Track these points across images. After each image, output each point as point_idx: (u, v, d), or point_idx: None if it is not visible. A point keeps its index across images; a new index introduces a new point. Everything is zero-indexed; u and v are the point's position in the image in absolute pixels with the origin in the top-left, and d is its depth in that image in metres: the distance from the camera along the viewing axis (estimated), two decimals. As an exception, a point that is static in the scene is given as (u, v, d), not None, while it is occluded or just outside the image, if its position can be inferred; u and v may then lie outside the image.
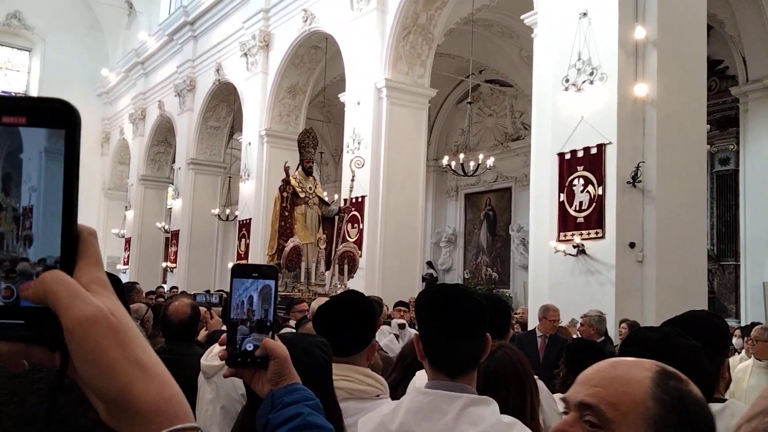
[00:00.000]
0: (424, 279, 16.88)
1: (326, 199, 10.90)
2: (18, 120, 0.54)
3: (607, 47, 8.70)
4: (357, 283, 11.11)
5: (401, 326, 7.04)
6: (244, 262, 15.92)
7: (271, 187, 16.79)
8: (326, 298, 4.70)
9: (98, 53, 28.51)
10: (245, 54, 17.53)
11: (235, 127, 20.53)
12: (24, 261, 0.55)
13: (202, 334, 4.93)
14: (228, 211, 19.28)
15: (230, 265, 15.41)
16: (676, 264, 8.46)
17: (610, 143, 8.56)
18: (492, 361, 2.08)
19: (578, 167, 8.91)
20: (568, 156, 9.05)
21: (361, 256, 13.09)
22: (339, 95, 14.73)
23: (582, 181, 8.83)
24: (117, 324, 0.55)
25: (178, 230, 21.01)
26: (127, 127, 26.41)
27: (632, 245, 8.45)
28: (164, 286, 18.35)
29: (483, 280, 19.06)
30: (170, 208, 23.31)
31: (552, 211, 9.23)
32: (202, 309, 5.15)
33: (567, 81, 9.12)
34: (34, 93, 28.47)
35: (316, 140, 10.77)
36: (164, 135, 24.25)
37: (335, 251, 10.26)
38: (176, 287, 17.51)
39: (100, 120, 28.35)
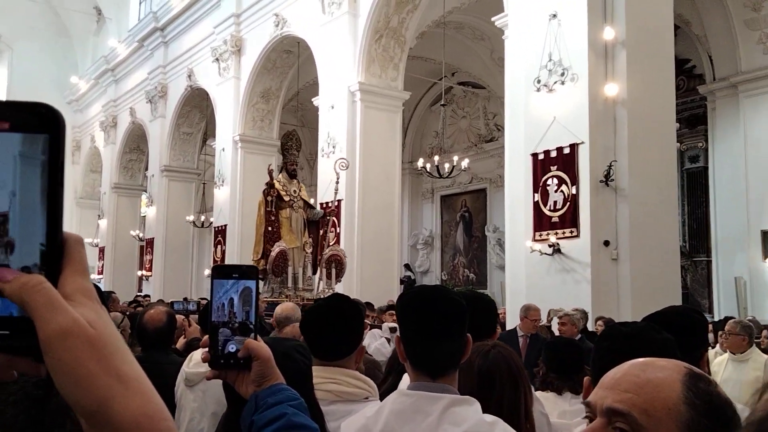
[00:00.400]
0: (402, 282, 16.91)
1: (311, 201, 10.88)
2: (1, 125, 0.52)
3: (577, 48, 8.80)
4: (336, 287, 11.08)
5: (393, 330, 7.04)
6: (223, 263, 15.69)
7: (246, 192, 16.71)
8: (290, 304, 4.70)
9: (67, 60, 28.15)
10: (217, 59, 17.43)
11: (209, 132, 20.39)
12: (4, 267, 0.53)
13: (181, 342, 4.89)
14: (203, 217, 19.14)
15: (207, 272, 15.33)
16: (649, 261, 8.58)
17: (582, 143, 8.66)
18: (486, 360, 2.09)
19: (552, 167, 8.99)
20: (541, 156, 9.13)
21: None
22: (313, 99, 14.71)
23: (556, 180, 8.92)
24: (96, 336, 0.53)
25: (153, 238, 20.81)
26: (98, 135, 26.09)
27: (606, 243, 8.55)
28: (148, 294, 18.13)
29: (460, 281, 19.14)
30: (144, 216, 23.06)
31: (527, 211, 9.31)
32: (180, 317, 5.11)
33: (538, 82, 9.21)
34: (1, 102, 27.97)
35: (300, 142, 10.72)
36: (136, 142, 24.00)
37: (321, 255, 10.14)
38: (149, 295, 17.31)
39: (70, 128, 27.90)
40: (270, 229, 9.97)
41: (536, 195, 9.17)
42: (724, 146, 12.74)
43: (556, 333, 6.75)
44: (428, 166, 12.44)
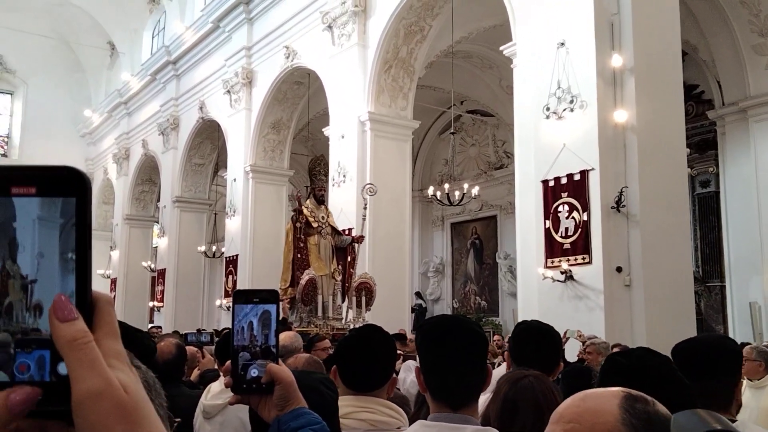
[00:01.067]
0: (413, 310, 16.84)
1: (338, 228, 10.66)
2: (28, 190, 0.52)
3: (585, 75, 8.86)
4: (366, 315, 11.06)
5: None
6: (244, 288, 15.72)
7: (257, 222, 16.80)
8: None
9: (81, 94, 28.56)
10: (228, 91, 17.65)
11: (220, 163, 20.57)
12: (36, 332, 0.53)
13: (195, 374, 4.89)
14: (214, 248, 19.21)
15: (218, 302, 15.24)
16: (663, 287, 8.53)
17: (592, 169, 8.67)
18: (513, 388, 2.07)
19: (562, 194, 9.00)
20: (551, 183, 9.15)
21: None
22: (323, 129, 14.84)
23: (567, 207, 8.92)
24: (127, 401, 0.51)
25: (165, 269, 20.87)
26: (111, 167, 26.35)
27: (619, 269, 8.51)
28: (159, 326, 18.13)
29: (472, 308, 19.04)
30: (156, 247, 23.17)
31: (538, 238, 9.30)
32: (193, 348, 5.12)
33: (548, 109, 9.27)
34: (16, 136, 28.40)
35: (328, 167, 10.55)
36: (148, 174, 24.21)
37: (350, 283, 9.91)
38: (160, 327, 17.31)
39: (83, 161, 28.26)
40: (299, 256, 9.72)
41: (547, 221, 9.17)
42: (735, 171, 12.71)
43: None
44: (438, 193, 12.48)
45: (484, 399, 2.11)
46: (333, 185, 13.78)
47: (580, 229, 8.74)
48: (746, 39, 11.90)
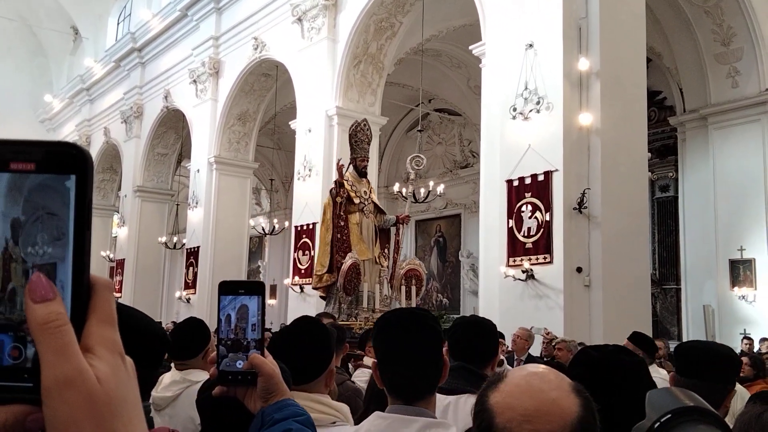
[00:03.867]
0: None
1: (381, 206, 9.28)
2: (27, 167, 0.49)
3: (552, 78, 8.97)
4: (308, 311, 11.02)
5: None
6: (230, 279, 15.59)
7: (220, 214, 16.63)
8: None
9: (42, 79, 27.91)
10: (194, 81, 17.42)
11: (184, 154, 20.29)
12: (46, 281, 0.49)
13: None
14: (175, 239, 18.94)
15: (178, 294, 14.93)
16: (621, 288, 8.68)
17: (556, 170, 8.78)
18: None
19: (526, 194, 9.10)
20: (516, 183, 9.24)
21: (311, 283, 13.04)
22: (290, 122, 14.75)
23: (530, 207, 9.01)
24: (100, 394, 0.47)
25: (124, 259, 20.54)
26: (70, 154, 25.76)
27: (579, 270, 8.64)
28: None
29: (434, 306, 19.13)
30: (115, 237, 22.77)
31: (501, 237, 9.38)
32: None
33: (514, 110, 9.35)
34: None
35: (371, 134, 9.04)
36: (110, 162, 23.78)
37: (394, 269, 8.67)
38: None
39: (42, 146, 27.54)
40: (339, 236, 8.33)
41: (510, 221, 9.26)
42: (694, 176, 13.00)
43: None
44: (404, 190, 12.50)
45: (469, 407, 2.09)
46: (298, 179, 13.72)
47: (542, 229, 8.85)
48: (709, 48, 12.17)
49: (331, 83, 13.22)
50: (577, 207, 8.68)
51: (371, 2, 12.56)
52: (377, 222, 8.77)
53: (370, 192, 8.77)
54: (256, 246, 23.83)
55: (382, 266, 8.53)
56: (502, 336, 6.88)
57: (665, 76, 13.55)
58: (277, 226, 17.09)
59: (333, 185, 8.54)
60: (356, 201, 8.43)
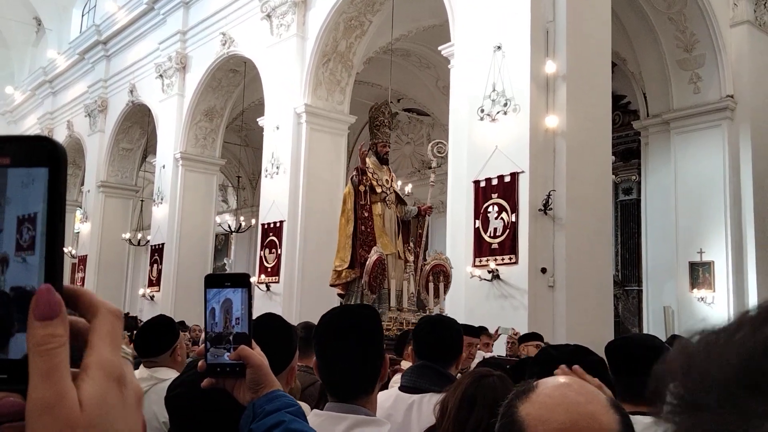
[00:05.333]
0: (341, 304, 16.83)
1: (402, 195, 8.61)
2: (2, 161, 0.49)
3: (519, 80, 9.06)
4: (274, 309, 10.94)
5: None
6: (216, 273, 15.43)
7: (185, 210, 16.44)
8: None
9: (3, 71, 27.27)
10: (161, 75, 17.19)
11: (149, 149, 20.02)
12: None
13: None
14: (140, 235, 18.68)
15: (141, 291, 14.69)
16: (584, 289, 8.81)
17: (522, 172, 8.87)
18: (475, 384, 2.05)
19: (493, 195, 9.18)
20: (483, 184, 9.31)
21: (278, 282, 12.98)
22: (258, 119, 14.65)
23: (496, 208, 9.09)
24: (78, 420, 0.45)
25: (86, 255, 20.18)
26: (32, 148, 25.23)
27: (544, 270, 8.74)
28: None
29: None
30: (77, 233, 22.36)
31: (468, 238, 9.45)
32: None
33: (482, 111, 9.42)
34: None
35: (393, 117, 8.33)
36: (72, 157, 23.26)
37: (418, 264, 8.07)
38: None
39: (2, 139, 26.93)
40: (362, 229, 7.66)
41: (477, 221, 9.33)
42: (656, 180, 13.24)
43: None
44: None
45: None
46: (266, 176, 13.65)
47: (508, 230, 8.93)
48: (672, 54, 12.41)
49: (300, 81, 13.17)
50: (543, 208, 8.78)
51: (341, 0, 12.54)
52: (398, 213, 8.17)
53: (392, 180, 8.14)
54: (222, 244, 23.62)
55: (408, 261, 7.84)
56: (489, 335, 6.87)
57: (630, 80, 13.78)
58: (243, 223, 16.96)
59: (354, 172, 7.85)
60: (378, 190, 7.82)
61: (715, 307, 11.78)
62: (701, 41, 12.08)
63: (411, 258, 7.80)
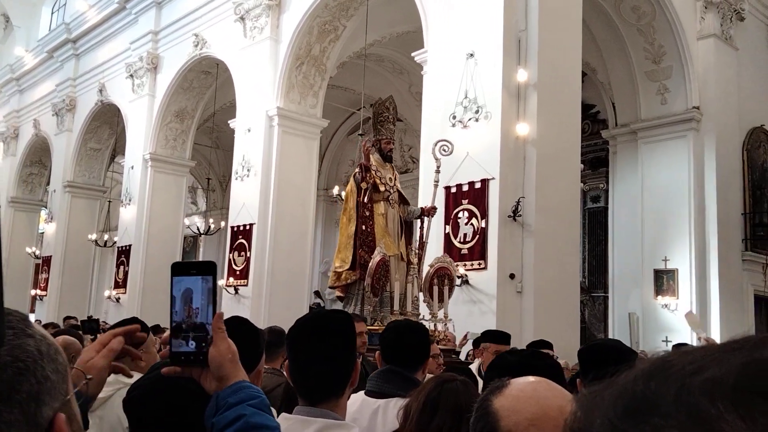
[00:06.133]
0: (311, 309, 16.77)
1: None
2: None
3: (491, 87, 9.14)
4: (242, 313, 10.88)
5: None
6: (183, 261, 15.24)
7: (153, 212, 16.25)
8: None
9: (-32, 66, 26.65)
10: (131, 75, 16.99)
11: (118, 149, 19.75)
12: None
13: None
14: (106, 236, 18.40)
15: (107, 293, 14.43)
16: (552, 295, 8.91)
17: (493, 179, 8.95)
18: (438, 390, 2.05)
19: (463, 201, 9.24)
20: (453, 190, 9.37)
21: (247, 285, 12.90)
22: (229, 121, 14.55)
23: (466, 214, 9.15)
24: None
25: (50, 256, 19.82)
26: (-4, 146, 24.76)
27: (512, 276, 8.82)
28: (38, 320, 17.15)
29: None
30: (42, 233, 21.96)
31: (438, 243, 9.48)
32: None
33: (454, 118, 9.49)
34: None
35: (396, 112, 8.05)
36: (39, 155, 22.93)
37: (420, 267, 7.66)
38: (39, 321, 16.39)
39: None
40: (364, 228, 7.32)
41: (447, 227, 9.38)
42: (623, 189, 13.45)
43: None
44: (343, 194, 12.49)
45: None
46: (236, 179, 13.56)
47: (477, 236, 9.00)
48: (641, 65, 12.63)
49: (273, 83, 13.12)
50: (512, 215, 8.87)
51: (315, 4, 12.53)
52: (401, 213, 7.76)
53: (395, 179, 7.76)
54: (191, 246, 23.37)
55: (412, 263, 7.45)
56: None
57: (599, 90, 13.98)
58: (212, 226, 16.81)
59: (357, 169, 7.47)
60: (381, 189, 7.42)
61: (678, 314, 11.99)
62: (669, 53, 12.31)
63: (415, 260, 7.46)
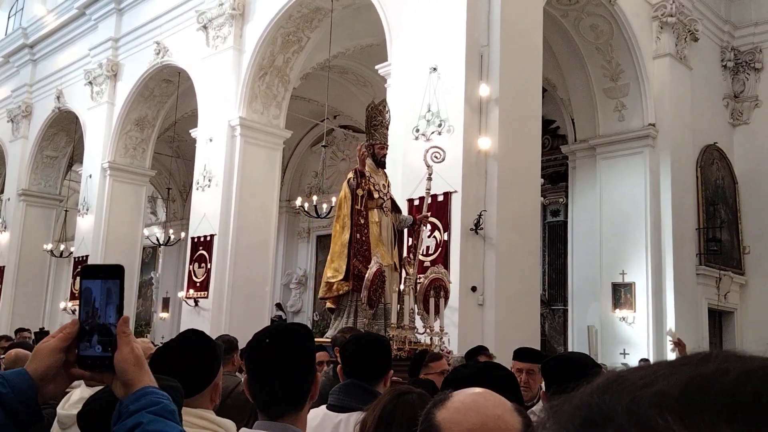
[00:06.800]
0: (272, 321, 16.62)
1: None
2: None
3: (454, 102, 9.24)
4: (202, 325, 10.75)
5: None
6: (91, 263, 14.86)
7: (112, 222, 15.95)
8: None
9: None
10: (90, 82, 16.70)
11: (75, 158, 19.36)
12: None
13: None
14: (62, 247, 17.99)
15: (62, 304, 14.07)
16: (513, 307, 8.99)
17: (455, 192, 9.02)
18: (394, 402, 2.04)
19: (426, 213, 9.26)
20: (417, 202, 9.41)
21: (207, 297, 12.73)
22: (190, 131, 14.40)
23: (429, 226, 9.19)
24: None
25: (3, 266, 19.28)
26: (-53, 152, 24.04)
27: (474, 289, 8.89)
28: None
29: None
30: (-5, 242, 21.34)
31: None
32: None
33: (417, 131, 9.55)
34: None
35: (390, 116, 7.72)
36: (-9, 162, 22.36)
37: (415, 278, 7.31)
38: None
39: None
40: (358, 237, 6.99)
41: (410, 239, 9.40)
42: (582, 203, 13.68)
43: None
44: (306, 205, 12.45)
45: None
46: (197, 189, 13.41)
47: (440, 248, 9.05)
48: (599, 82, 12.91)
49: (235, 93, 13.04)
50: (474, 228, 8.94)
51: (279, 15, 12.52)
52: (394, 221, 7.46)
53: (388, 186, 7.47)
54: (150, 257, 22.99)
55: (408, 274, 7.10)
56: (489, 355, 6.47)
57: (559, 106, 14.23)
58: (172, 236, 16.58)
59: (351, 174, 7.14)
60: (375, 195, 7.12)
61: (635, 327, 12.22)
62: (626, 71, 12.61)
63: (411, 270, 7.10)
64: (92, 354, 1.18)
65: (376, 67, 11.09)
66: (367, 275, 6.62)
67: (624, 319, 12.31)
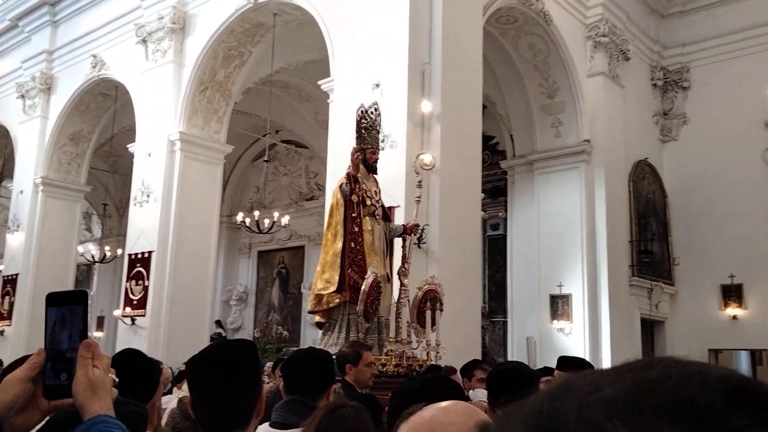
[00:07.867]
0: (212, 339, 16.33)
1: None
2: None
3: (397, 117, 9.34)
4: (139, 344, 10.47)
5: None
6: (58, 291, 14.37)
7: (44, 239, 15.43)
8: None
9: None
10: (22, 96, 16.18)
11: (5, 173, 18.66)
12: None
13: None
14: (-9, 265, 17.28)
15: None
16: (454, 320, 9.08)
17: (398, 206, 9.10)
18: (329, 417, 2.04)
19: (369, 228, 9.31)
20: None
21: (144, 315, 12.42)
22: (128, 146, 14.09)
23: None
24: None
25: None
26: None
27: (417, 302, 8.95)
28: None
29: (273, 338, 18.89)
30: None
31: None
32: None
33: (360, 146, 9.59)
34: None
35: (380, 121, 7.31)
36: None
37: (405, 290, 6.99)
38: None
39: None
40: (352, 246, 6.60)
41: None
42: (521, 217, 13.99)
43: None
44: (248, 220, 12.35)
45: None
46: (135, 204, 13.12)
47: (383, 263, 9.09)
48: (537, 99, 13.28)
49: (175, 108, 12.85)
50: (417, 242, 9.03)
51: (221, 30, 12.43)
52: (385, 230, 7.11)
53: (379, 192, 7.11)
54: (84, 274, 22.29)
55: (404, 285, 6.80)
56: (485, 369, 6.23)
57: (498, 122, 14.55)
58: (108, 253, 16.14)
59: (344, 180, 6.79)
60: (368, 203, 6.79)
61: (572, 338, 12.52)
62: (562, 89, 13.01)
63: (406, 281, 6.79)
64: (57, 383, 1.16)
65: (319, 82, 11.12)
66: (363, 287, 6.26)
67: (561, 330, 12.61)
